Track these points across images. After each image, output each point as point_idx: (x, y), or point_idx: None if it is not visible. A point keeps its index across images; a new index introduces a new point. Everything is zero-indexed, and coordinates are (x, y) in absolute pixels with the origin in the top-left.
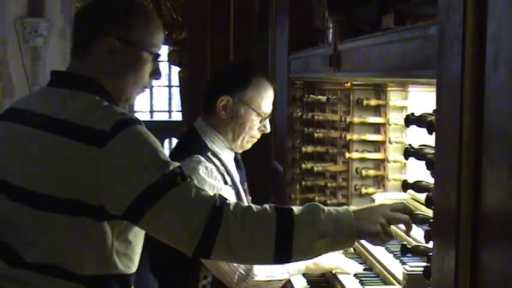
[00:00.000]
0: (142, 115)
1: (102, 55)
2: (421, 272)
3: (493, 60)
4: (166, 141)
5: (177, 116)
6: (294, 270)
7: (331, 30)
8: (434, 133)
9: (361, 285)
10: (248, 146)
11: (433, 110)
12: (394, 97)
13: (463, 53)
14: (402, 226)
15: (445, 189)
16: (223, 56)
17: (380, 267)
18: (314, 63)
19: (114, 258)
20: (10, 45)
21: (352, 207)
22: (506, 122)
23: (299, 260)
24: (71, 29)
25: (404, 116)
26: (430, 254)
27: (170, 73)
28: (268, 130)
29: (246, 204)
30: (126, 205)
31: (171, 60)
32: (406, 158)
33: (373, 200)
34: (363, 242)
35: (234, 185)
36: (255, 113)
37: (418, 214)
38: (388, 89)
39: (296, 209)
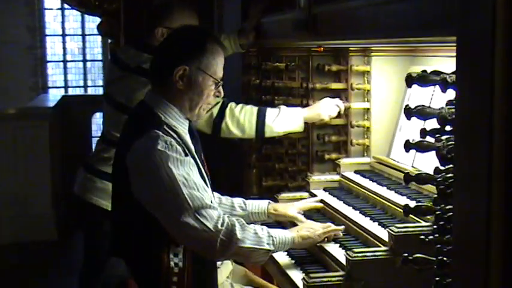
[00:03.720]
0: (57, 91)
1: None
2: (409, 233)
3: None
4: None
5: (93, 91)
6: (279, 243)
7: None
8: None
9: (344, 249)
10: (204, 113)
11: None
12: (356, 62)
13: (494, 3)
14: None
15: (468, 139)
16: None
17: (359, 230)
18: (281, 29)
19: None
20: None
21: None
22: None
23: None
24: None
25: (406, 75)
26: (438, 212)
27: (85, 47)
28: (223, 95)
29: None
30: None
31: (102, 32)
32: (409, 119)
33: (337, 165)
34: (335, 205)
35: (192, 157)
36: (211, 79)
37: (421, 174)
38: (350, 54)
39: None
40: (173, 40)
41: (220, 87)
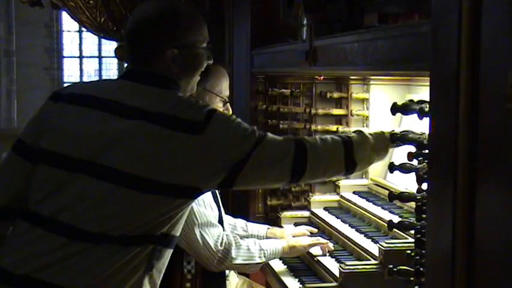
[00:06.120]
0: None
1: (167, 63)
2: (397, 248)
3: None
4: None
5: None
6: (270, 254)
7: (305, 28)
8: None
9: (338, 262)
10: None
11: (412, 100)
12: (356, 90)
13: (459, 47)
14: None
15: (438, 161)
16: None
17: (353, 246)
18: (285, 59)
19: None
20: None
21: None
22: (501, 110)
23: (363, 169)
24: None
25: (391, 105)
26: (419, 227)
27: (101, 69)
28: (231, 112)
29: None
30: (227, 169)
31: (119, 56)
32: (393, 142)
33: (337, 187)
34: (333, 223)
35: None
36: (218, 98)
37: (404, 192)
38: (351, 82)
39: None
40: None
41: (228, 105)
